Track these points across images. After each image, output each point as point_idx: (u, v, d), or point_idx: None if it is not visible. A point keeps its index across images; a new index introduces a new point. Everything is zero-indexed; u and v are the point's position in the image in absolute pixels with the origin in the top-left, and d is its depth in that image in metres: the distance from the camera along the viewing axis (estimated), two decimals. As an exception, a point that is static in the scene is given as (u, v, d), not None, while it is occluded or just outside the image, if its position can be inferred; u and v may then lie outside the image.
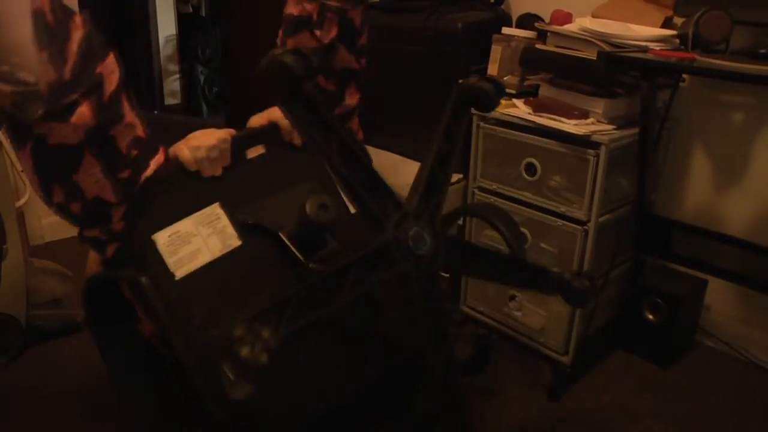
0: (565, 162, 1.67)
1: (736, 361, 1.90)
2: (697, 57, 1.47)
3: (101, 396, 1.61)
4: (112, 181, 1.00)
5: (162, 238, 1.01)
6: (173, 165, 1.10)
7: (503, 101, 1.79)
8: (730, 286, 1.87)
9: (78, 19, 0.98)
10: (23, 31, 0.91)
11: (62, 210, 1.02)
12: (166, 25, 4.60)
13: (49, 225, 2.46)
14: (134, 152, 1.02)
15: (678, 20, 1.71)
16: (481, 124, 1.83)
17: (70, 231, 2.53)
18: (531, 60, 1.77)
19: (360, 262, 0.94)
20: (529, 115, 1.71)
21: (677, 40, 1.61)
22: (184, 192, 1.09)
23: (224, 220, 1.08)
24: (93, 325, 1.13)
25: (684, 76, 1.78)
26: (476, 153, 1.87)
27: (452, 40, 1.95)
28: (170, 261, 1.00)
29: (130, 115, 1.02)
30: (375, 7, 2.25)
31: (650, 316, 1.85)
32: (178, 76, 4.77)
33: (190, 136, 1.15)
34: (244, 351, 0.78)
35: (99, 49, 0.99)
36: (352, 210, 1.26)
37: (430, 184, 1.08)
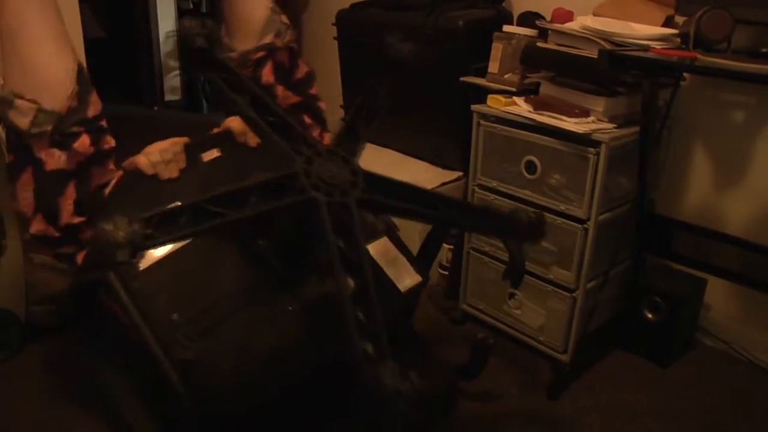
0: (566, 160, 1.66)
1: (735, 360, 1.90)
2: (699, 56, 1.47)
3: (100, 392, 1.61)
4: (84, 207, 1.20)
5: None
6: (132, 172, 1.22)
7: (504, 99, 1.78)
8: (730, 285, 1.87)
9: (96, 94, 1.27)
10: (70, 65, 1.16)
11: (40, 238, 1.22)
12: (166, 21, 4.59)
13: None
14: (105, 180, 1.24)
15: (679, 19, 1.71)
16: (482, 121, 1.83)
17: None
18: (532, 58, 1.77)
19: (264, 186, 0.95)
20: (530, 113, 1.70)
21: (678, 39, 1.61)
22: (144, 194, 1.20)
23: None
24: (77, 325, 1.19)
25: (685, 75, 1.78)
26: (476, 150, 1.87)
27: (453, 37, 1.95)
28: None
29: (110, 142, 1.26)
30: (376, 4, 2.25)
31: (650, 315, 1.85)
32: (178, 72, 4.77)
33: (146, 147, 1.28)
34: (120, 255, 0.79)
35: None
36: None
37: (349, 127, 1.16)
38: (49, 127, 1.12)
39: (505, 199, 1.81)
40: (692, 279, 1.89)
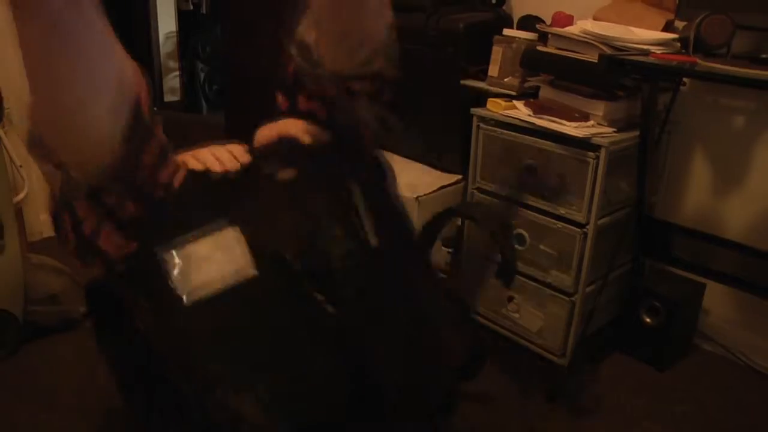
0: (565, 164, 1.66)
1: (733, 364, 1.90)
2: (698, 61, 1.47)
3: (98, 392, 1.61)
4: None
5: (174, 259, 0.93)
6: (183, 175, 1.00)
7: (503, 102, 1.79)
8: (729, 290, 1.87)
9: (160, 128, 0.90)
10: (106, 109, 0.78)
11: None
12: (166, 22, 4.59)
13: (48, 220, 2.45)
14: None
15: (679, 24, 1.71)
16: (482, 125, 1.83)
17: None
18: (532, 62, 1.77)
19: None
20: (530, 117, 1.70)
21: (678, 44, 1.61)
22: (202, 210, 1.00)
23: (242, 247, 0.98)
24: (94, 322, 1.11)
25: (685, 79, 1.78)
26: (476, 154, 1.87)
27: (453, 40, 1.94)
28: (179, 285, 0.93)
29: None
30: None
31: (648, 319, 1.85)
32: (178, 73, 4.76)
33: (200, 150, 1.06)
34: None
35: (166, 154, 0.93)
36: (373, 242, 1.16)
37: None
38: (82, 193, 0.83)
39: (505, 203, 1.81)
40: (691, 283, 1.89)
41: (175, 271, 0.92)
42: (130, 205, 0.89)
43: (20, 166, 2.22)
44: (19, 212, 2.16)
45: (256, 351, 0.98)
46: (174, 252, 0.92)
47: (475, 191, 1.90)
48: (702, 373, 1.86)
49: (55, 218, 0.92)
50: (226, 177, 1.02)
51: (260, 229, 1.00)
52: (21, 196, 2.23)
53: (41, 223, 2.45)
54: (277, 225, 1.03)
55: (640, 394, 1.76)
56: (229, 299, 0.96)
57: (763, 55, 1.51)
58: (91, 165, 0.79)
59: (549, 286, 1.77)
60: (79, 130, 0.77)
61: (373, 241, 1.14)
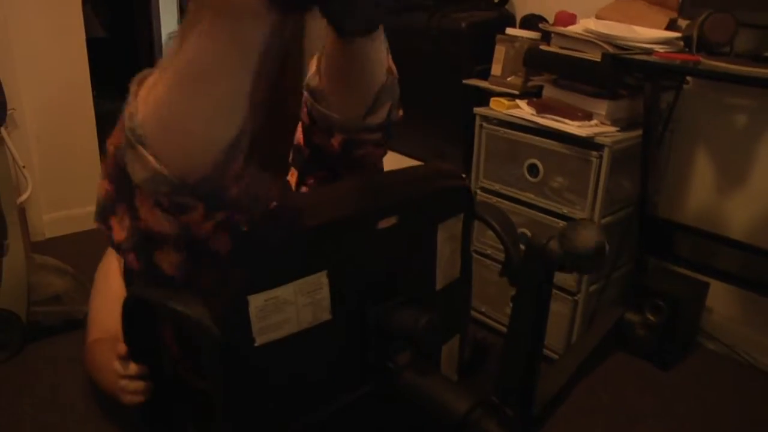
0: (568, 163, 1.66)
1: (737, 363, 1.90)
2: (702, 59, 1.47)
3: (101, 392, 1.61)
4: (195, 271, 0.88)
5: (257, 301, 0.90)
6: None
7: (506, 101, 1.78)
8: (732, 288, 1.87)
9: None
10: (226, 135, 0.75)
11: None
12: (168, 21, 4.59)
13: (51, 221, 2.46)
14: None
15: (682, 22, 1.71)
16: (485, 124, 1.83)
17: (71, 227, 2.52)
18: (535, 61, 1.77)
19: None
20: (533, 116, 1.70)
21: (681, 43, 1.61)
22: (294, 252, 0.95)
23: (325, 292, 0.97)
24: (130, 344, 1.08)
25: (688, 78, 1.78)
26: (479, 153, 1.87)
27: (456, 39, 1.94)
28: (256, 327, 0.91)
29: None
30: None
31: (651, 318, 1.84)
32: (179, 72, 4.76)
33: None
34: None
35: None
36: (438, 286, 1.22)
37: None
38: (164, 190, 0.77)
39: (508, 202, 1.81)
40: (694, 282, 1.89)
41: (256, 313, 0.91)
42: (208, 225, 0.83)
43: (23, 167, 2.22)
44: (22, 213, 2.16)
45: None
46: (260, 293, 0.90)
47: (478, 190, 1.90)
48: (705, 372, 1.86)
49: (114, 194, 0.85)
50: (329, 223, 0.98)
51: (347, 277, 1.00)
52: (24, 196, 2.24)
53: (44, 223, 2.45)
54: (364, 273, 1.04)
55: (643, 393, 1.76)
56: (298, 342, 0.95)
57: (766, 54, 1.51)
58: (184, 164, 0.76)
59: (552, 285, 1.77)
60: (189, 134, 0.74)
61: (438, 285, 1.19)
